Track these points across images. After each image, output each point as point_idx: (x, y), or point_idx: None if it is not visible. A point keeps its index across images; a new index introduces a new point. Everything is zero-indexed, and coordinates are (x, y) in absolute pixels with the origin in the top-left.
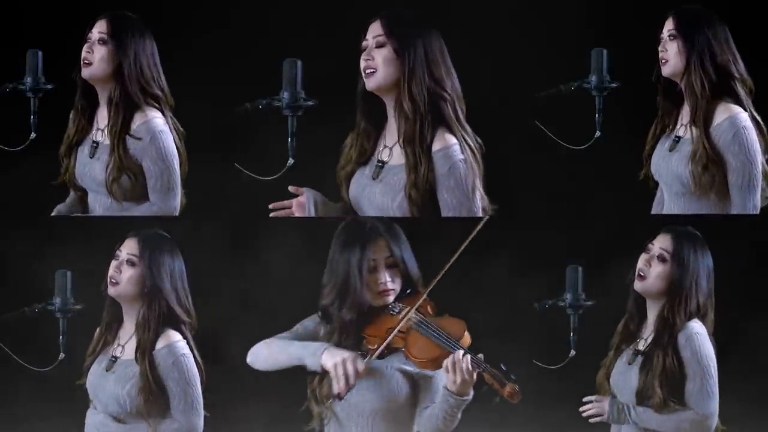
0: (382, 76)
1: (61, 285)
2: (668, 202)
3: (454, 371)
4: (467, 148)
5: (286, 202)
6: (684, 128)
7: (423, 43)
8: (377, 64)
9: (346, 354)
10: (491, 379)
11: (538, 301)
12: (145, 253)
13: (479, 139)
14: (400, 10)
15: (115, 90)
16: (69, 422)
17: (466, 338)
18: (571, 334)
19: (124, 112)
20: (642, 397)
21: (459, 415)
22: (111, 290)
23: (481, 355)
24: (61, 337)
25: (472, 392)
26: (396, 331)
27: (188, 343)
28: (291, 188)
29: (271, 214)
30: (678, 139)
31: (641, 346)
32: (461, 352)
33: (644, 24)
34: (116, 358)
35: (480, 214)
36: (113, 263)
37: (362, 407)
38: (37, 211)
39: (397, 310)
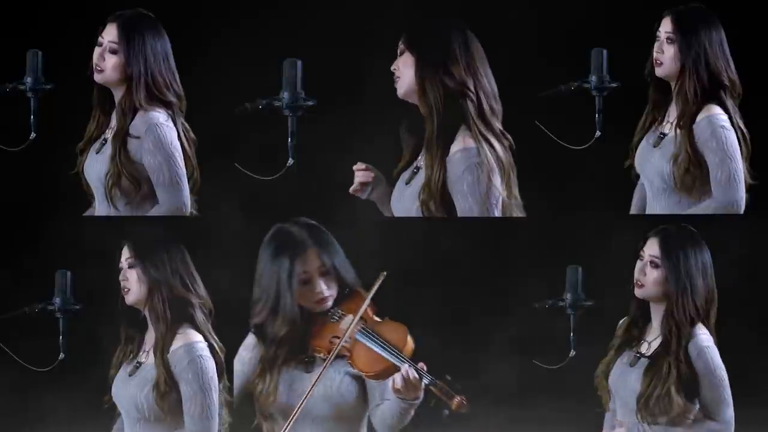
0: (405, 82)
1: (61, 285)
2: (650, 198)
3: (405, 388)
4: (489, 149)
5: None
6: (670, 125)
7: (440, 42)
8: (401, 72)
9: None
10: (439, 393)
11: (538, 301)
12: (138, 252)
13: (508, 141)
14: (427, 20)
15: (125, 99)
16: (69, 422)
17: (409, 344)
18: (571, 334)
19: (131, 117)
20: (644, 401)
21: (413, 412)
22: (128, 299)
23: (422, 365)
24: (61, 337)
25: (422, 393)
26: (339, 346)
27: (209, 340)
28: (362, 164)
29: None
30: (663, 135)
31: (644, 349)
32: (406, 366)
33: (644, 24)
34: (140, 363)
35: (497, 213)
36: (120, 276)
37: (314, 413)
38: (37, 210)
39: (337, 317)
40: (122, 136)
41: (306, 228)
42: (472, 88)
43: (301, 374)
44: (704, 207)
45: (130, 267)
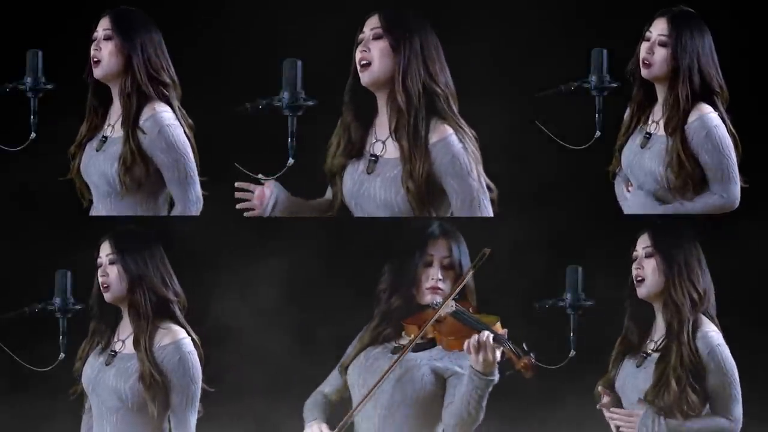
0: (378, 69)
1: (61, 285)
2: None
3: (477, 350)
4: (465, 136)
5: (250, 186)
6: (656, 125)
7: (419, 37)
8: (373, 56)
9: (318, 428)
10: (509, 353)
11: (538, 301)
12: (119, 248)
13: (473, 131)
14: (398, 8)
15: (126, 81)
16: (69, 422)
17: (498, 327)
18: (571, 334)
19: (136, 103)
20: (657, 392)
21: (484, 403)
22: (107, 296)
23: (504, 332)
24: (61, 337)
25: (497, 374)
26: (433, 320)
27: (191, 335)
28: (260, 176)
29: (237, 196)
30: (649, 135)
31: (650, 348)
32: (485, 332)
33: (644, 24)
34: (116, 352)
35: (488, 198)
36: (99, 271)
37: (386, 397)
38: (37, 210)
39: (438, 305)
40: (131, 124)
41: (446, 224)
42: (443, 87)
43: (387, 354)
44: (704, 201)
45: (111, 263)
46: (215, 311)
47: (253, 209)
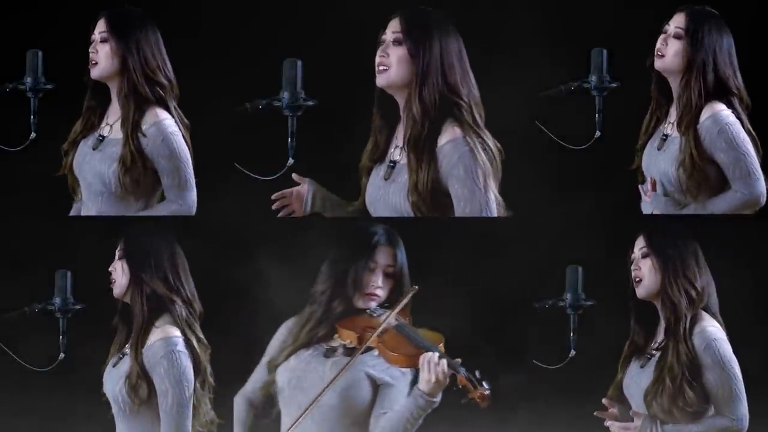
0: (394, 74)
1: (61, 285)
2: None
3: (429, 369)
4: (478, 145)
5: (286, 191)
6: (671, 126)
7: (440, 45)
8: (391, 62)
9: None
10: (464, 381)
11: (538, 301)
12: (126, 246)
13: (499, 144)
14: (422, 9)
15: (123, 83)
16: (69, 422)
17: (442, 346)
18: (571, 334)
19: (134, 105)
20: (653, 393)
21: (420, 421)
22: (114, 292)
23: (458, 360)
24: (61, 337)
25: (440, 396)
26: (377, 333)
27: (187, 336)
28: (294, 176)
29: (274, 206)
30: (665, 137)
31: (653, 349)
32: (438, 353)
33: (645, 24)
34: (124, 354)
35: (495, 214)
36: (111, 266)
37: (326, 405)
38: (37, 210)
39: (377, 314)
40: (131, 126)
41: (390, 231)
42: (465, 98)
43: (320, 357)
44: (727, 201)
45: (119, 259)
46: (210, 314)
47: (293, 211)
